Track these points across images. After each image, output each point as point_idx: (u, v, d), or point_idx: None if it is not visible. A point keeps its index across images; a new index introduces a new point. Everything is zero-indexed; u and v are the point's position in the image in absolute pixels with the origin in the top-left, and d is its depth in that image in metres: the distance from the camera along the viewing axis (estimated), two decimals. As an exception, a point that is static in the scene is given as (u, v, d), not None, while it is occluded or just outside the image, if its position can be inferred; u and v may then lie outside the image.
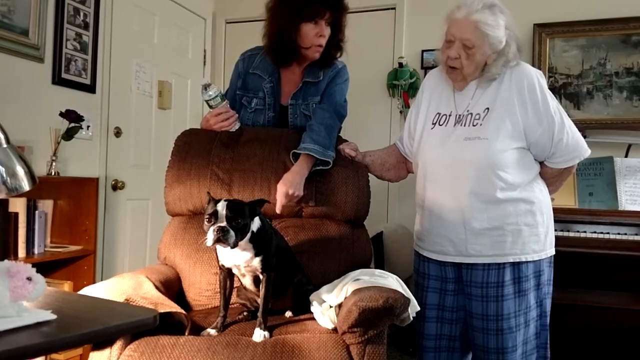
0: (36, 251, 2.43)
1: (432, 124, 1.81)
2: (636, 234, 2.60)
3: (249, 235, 1.51)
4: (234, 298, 1.72)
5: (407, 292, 1.54)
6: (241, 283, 1.69)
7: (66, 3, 2.73)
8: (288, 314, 1.70)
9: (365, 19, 3.62)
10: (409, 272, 2.71)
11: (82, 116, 2.63)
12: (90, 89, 2.92)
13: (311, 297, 1.67)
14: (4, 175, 1.07)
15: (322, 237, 1.95)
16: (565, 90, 3.17)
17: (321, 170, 1.94)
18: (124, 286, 1.56)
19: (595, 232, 2.64)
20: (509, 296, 1.68)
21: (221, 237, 1.42)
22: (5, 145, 1.09)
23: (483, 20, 1.61)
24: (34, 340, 0.88)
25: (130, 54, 3.18)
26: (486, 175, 1.65)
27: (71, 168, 2.78)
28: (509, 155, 1.65)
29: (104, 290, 1.51)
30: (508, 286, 1.68)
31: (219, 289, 1.68)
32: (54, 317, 0.95)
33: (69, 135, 2.61)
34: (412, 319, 1.54)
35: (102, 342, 1.45)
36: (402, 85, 3.41)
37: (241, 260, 1.55)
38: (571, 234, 2.65)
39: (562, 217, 2.53)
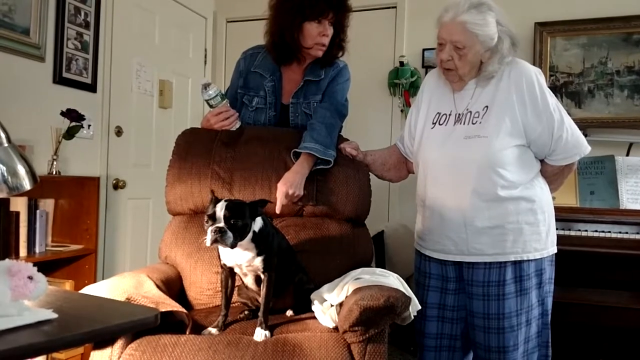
0: (37, 250, 2.43)
1: (432, 123, 1.81)
2: (637, 233, 2.60)
3: (250, 235, 1.51)
4: (235, 297, 1.72)
5: (408, 291, 1.54)
6: (243, 282, 1.69)
7: (67, 2, 2.73)
8: (289, 312, 1.70)
9: (366, 17, 3.62)
10: (409, 271, 2.71)
11: (83, 115, 2.63)
12: (91, 88, 2.92)
13: (312, 296, 1.67)
14: (5, 174, 1.07)
15: (323, 236, 1.95)
16: (566, 89, 3.16)
17: (322, 169, 1.94)
18: (125, 285, 1.56)
19: (596, 231, 2.64)
20: (511, 295, 1.68)
21: (219, 238, 1.43)
22: (6, 144, 1.09)
23: (470, 20, 1.61)
24: (35, 339, 0.88)
25: (131, 53, 3.18)
26: (487, 174, 1.65)
27: (72, 167, 2.78)
28: (509, 153, 1.65)
29: (105, 289, 1.51)
30: (509, 285, 1.68)
31: (220, 288, 1.68)
32: (55, 316, 0.95)
33: (70, 134, 2.61)
34: (413, 318, 1.54)
35: (103, 341, 1.45)
36: (403, 84, 3.41)
37: (243, 259, 1.56)
38: (572, 233, 2.65)
39: (563, 215, 2.53)
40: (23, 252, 2.35)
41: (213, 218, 1.44)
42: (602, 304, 2.61)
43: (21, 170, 1.10)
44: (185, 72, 3.66)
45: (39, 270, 0.99)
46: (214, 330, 1.55)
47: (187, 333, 1.51)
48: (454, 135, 1.73)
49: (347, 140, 2.06)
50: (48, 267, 2.51)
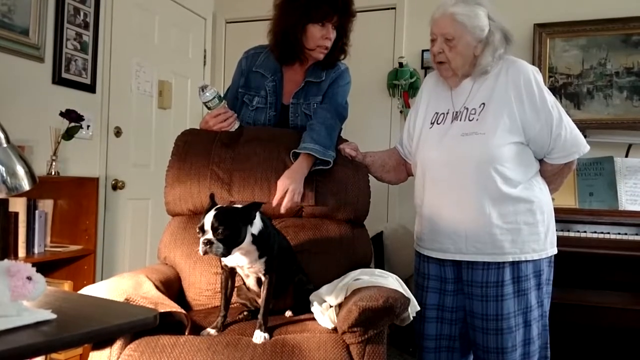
0: (36, 251, 2.43)
1: (431, 123, 1.81)
2: (636, 234, 2.60)
3: (249, 238, 1.50)
4: (234, 297, 1.72)
5: (407, 292, 1.54)
6: (244, 283, 1.69)
7: (66, 3, 2.73)
8: (288, 313, 1.70)
9: (366, 18, 3.61)
10: (409, 272, 2.71)
11: (82, 116, 2.63)
12: (91, 88, 2.92)
13: (311, 297, 1.67)
14: (4, 174, 1.07)
15: (322, 237, 1.95)
16: (565, 90, 3.17)
17: (321, 170, 1.94)
18: (124, 286, 1.56)
19: (595, 232, 2.64)
20: (509, 296, 1.68)
21: (208, 249, 1.42)
22: (5, 145, 1.09)
23: (458, 12, 1.66)
24: (34, 339, 0.88)
25: (131, 53, 3.18)
26: (485, 171, 1.65)
27: (71, 168, 2.78)
28: (507, 149, 1.65)
29: (104, 289, 1.51)
30: (508, 286, 1.68)
31: (219, 289, 1.68)
32: (54, 316, 0.95)
33: (69, 134, 2.61)
34: (412, 318, 1.54)
35: (102, 341, 1.45)
36: (403, 85, 3.41)
37: (245, 261, 1.55)
38: (571, 234, 2.65)
39: (562, 217, 2.53)
40: (22, 252, 2.35)
41: (202, 229, 1.43)
42: (601, 305, 2.61)
43: (20, 170, 1.10)
44: (185, 72, 3.66)
45: (37, 271, 0.99)
46: (212, 331, 1.55)
47: (186, 334, 1.51)
48: (451, 133, 1.73)
49: (347, 141, 2.06)
50: (47, 267, 2.51)
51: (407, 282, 1.67)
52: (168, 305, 1.52)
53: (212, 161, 2.00)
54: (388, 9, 3.59)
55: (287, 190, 1.84)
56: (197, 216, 1.99)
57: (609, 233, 2.63)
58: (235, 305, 1.74)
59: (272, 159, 1.99)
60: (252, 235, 1.51)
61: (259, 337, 1.48)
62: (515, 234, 1.67)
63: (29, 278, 0.96)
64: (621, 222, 2.64)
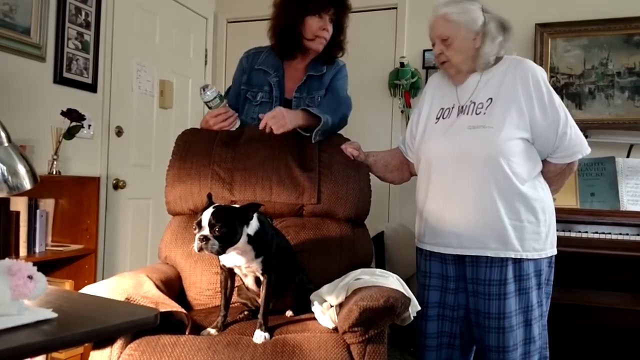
0: (37, 250, 2.43)
1: (436, 118, 1.82)
2: (638, 235, 2.60)
3: (245, 238, 1.49)
4: (234, 297, 1.72)
5: (408, 292, 1.54)
6: (243, 283, 1.69)
7: (68, 2, 2.73)
8: (289, 313, 1.70)
9: (367, 18, 3.62)
10: (409, 272, 2.71)
11: (84, 115, 2.63)
12: (92, 88, 2.92)
13: (312, 297, 1.67)
14: (6, 174, 1.07)
15: (323, 236, 1.95)
16: (567, 90, 3.16)
17: (322, 168, 1.94)
18: (124, 285, 1.56)
19: (596, 233, 2.64)
20: (511, 294, 1.68)
21: (203, 246, 1.42)
22: (6, 144, 1.09)
23: (448, 11, 1.71)
24: (34, 338, 0.88)
25: (132, 53, 3.18)
26: (494, 164, 1.65)
27: (72, 167, 2.78)
28: (515, 144, 1.66)
29: (104, 289, 1.51)
30: (510, 284, 1.68)
31: (219, 289, 1.68)
32: (54, 315, 0.95)
33: (70, 134, 2.61)
34: (412, 318, 1.54)
35: (102, 341, 1.45)
36: (404, 85, 3.41)
37: (242, 261, 1.55)
38: (572, 234, 2.64)
39: (563, 217, 2.53)
40: (23, 251, 2.35)
41: (199, 225, 1.44)
42: (602, 306, 2.60)
43: (21, 169, 1.10)
44: (186, 72, 3.66)
45: (38, 270, 0.99)
46: (213, 331, 1.55)
47: (187, 333, 1.51)
48: (457, 125, 1.73)
49: (349, 140, 2.06)
50: (48, 266, 2.51)
51: (407, 281, 1.67)
52: (169, 305, 1.52)
53: (213, 161, 2.00)
54: (389, 8, 3.59)
55: (275, 115, 1.91)
56: (198, 215, 1.99)
57: (610, 233, 2.62)
58: (235, 304, 1.74)
59: (273, 158, 1.99)
60: (248, 235, 1.51)
61: (260, 336, 1.48)
62: (519, 231, 1.67)
63: (30, 277, 0.96)
64: (622, 222, 2.63)
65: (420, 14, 3.45)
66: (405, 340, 2.79)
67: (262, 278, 1.58)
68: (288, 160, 1.97)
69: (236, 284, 1.70)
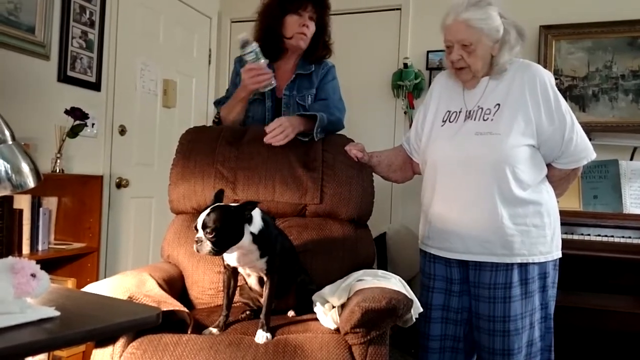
0: (40, 248, 2.43)
1: (442, 121, 1.81)
2: (640, 237, 2.59)
3: (249, 237, 1.49)
4: (236, 297, 1.72)
5: (410, 294, 1.54)
6: (246, 282, 1.69)
7: (72, 1, 2.73)
8: (291, 313, 1.70)
9: (371, 19, 3.62)
10: (412, 273, 2.71)
11: (87, 114, 2.63)
12: (96, 86, 2.92)
13: (314, 297, 1.67)
14: (9, 172, 1.07)
15: (325, 237, 1.95)
16: (570, 92, 3.16)
17: (325, 168, 1.94)
18: (127, 284, 1.56)
19: (599, 235, 2.63)
20: (516, 297, 1.68)
21: (199, 248, 1.43)
22: (10, 142, 1.09)
23: (472, 17, 1.66)
24: (37, 336, 0.88)
25: (136, 52, 3.19)
26: (499, 171, 1.65)
27: (76, 165, 2.78)
28: (522, 151, 1.66)
29: (107, 287, 1.51)
30: (516, 287, 1.68)
31: (222, 288, 1.68)
32: (57, 314, 0.95)
33: (73, 132, 2.62)
34: (414, 320, 1.54)
35: (105, 339, 1.45)
36: (407, 86, 3.40)
37: (246, 260, 1.55)
38: (575, 237, 2.64)
39: (566, 219, 2.51)
40: (26, 249, 2.35)
41: (196, 227, 1.45)
42: (605, 309, 2.60)
43: (25, 168, 1.10)
44: (190, 71, 3.67)
45: (41, 268, 0.99)
46: (215, 330, 1.55)
47: (189, 332, 1.51)
48: (464, 131, 1.73)
49: (352, 141, 2.06)
50: (51, 265, 2.52)
51: (410, 283, 1.67)
52: (171, 304, 1.52)
53: (216, 160, 2.00)
54: (393, 9, 3.59)
55: (281, 123, 1.93)
56: (201, 215, 1.99)
57: (613, 236, 2.62)
58: (237, 304, 1.74)
59: (277, 158, 1.99)
60: (252, 234, 1.50)
61: (261, 337, 1.48)
62: (525, 236, 1.67)
63: (33, 275, 0.96)
64: (625, 225, 2.62)
65: (424, 15, 3.45)
66: (406, 341, 2.79)
67: (265, 278, 1.57)
68: (291, 160, 1.97)
69: (239, 283, 1.70)
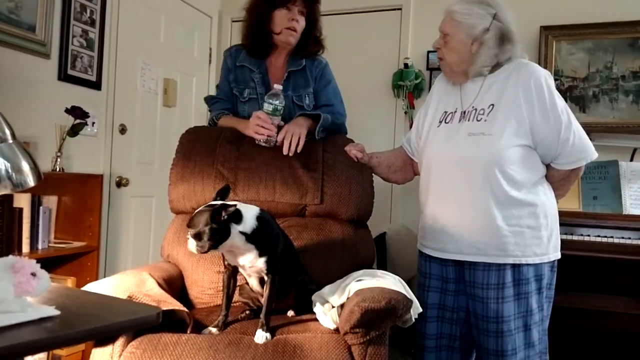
0: (40, 247, 2.43)
1: (439, 122, 1.81)
2: (640, 239, 2.59)
3: (240, 237, 1.49)
4: (236, 296, 1.72)
5: (410, 294, 1.54)
6: (247, 283, 1.69)
7: (73, 0, 2.73)
8: (290, 313, 1.70)
9: (371, 19, 3.62)
10: (411, 273, 2.71)
11: (88, 113, 2.64)
12: (96, 85, 2.93)
13: (313, 297, 1.67)
14: (10, 170, 1.07)
15: (325, 237, 1.95)
16: (571, 93, 3.16)
17: (326, 167, 1.94)
18: (127, 283, 1.56)
19: (599, 236, 2.63)
20: (509, 298, 1.67)
21: (189, 246, 1.48)
22: (10, 141, 1.09)
23: (456, 9, 1.70)
24: (37, 335, 0.88)
25: (136, 51, 3.19)
26: (491, 172, 1.65)
27: (76, 164, 2.78)
28: (514, 152, 1.65)
29: (107, 286, 1.52)
30: (508, 288, 1.67)
31: (221, 287, 1.68)
32: (57, 313, 0.96)
33: (74, 131, 2.62)
34: (414, 320, 1.54)
35: (104, 338, 1.45)
36: (408, 86, 3.40)
37: (245, 260, 1.55)
38: (575, 238, 2.64)
39: (566, 220, 2.51)
40: (26, 248, 2.35)
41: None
42: (604, 310, 2.60)
43: (25, 166, 1.10)
44: (190, 71, 3.67)
45: (41, 267, 0.99)
46: (214, 330, 1.55)
47: (188, 332, 1.51)
48: (458, 132, 1.73)
49: (352, 141, 2.06)
50: (51, 263, 2.52)
51: (409, 283, 1.67)
52: (170, 304, 1.52)
53: (216, 160, 2.00)
54: (394, 9, 3.59)
55: (287, 130, 1.93)
56: (201, 214, 1.99)
57: (612, 237, 2.62)
58: (237, 304, 1.74)
59: (277, 158, 1.99)
60: (245, 234, 1.49)
61: (261, 336, 1.48)
62: (518, 237, 1.67)
63: (33, 274, 0.96)
64: (625, 226, 2.62)
65: (425, 15, 3.45)
66: (406, 341, 2.79)
67: (266, 278, 1.57)
68: (292, 160, 1.97)
69: (239, 283, 1.70)
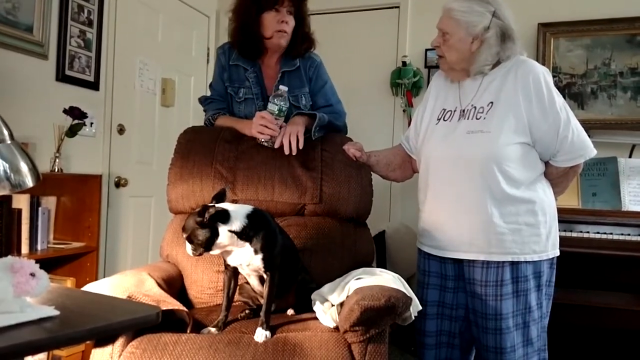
0: (39, 247, 2.43)
1: (437, 119, 1.81)
2: (639, 235, 2.59)
3: (230, 235, 1.49)
4: (236, 296, 1.72)
5: (409, 292, 1.54)
6: (247, 282, 1.69)
7: (70, 0, 2.73)
8: (290, 312, 1.70)
9: (369, 17, 3.62)
10: (411, 271, 2.71)
11: (86, 113, 2.63)
12: (94, 86, 2.92)
13: (313, 296, 1.67)
14: (8, 171, 1.07)
15: (325, 236, 1.95)
16: (569, 90, 3.16)
17: (325, 166, 1.94)
18: (126, 283, 1.56)
19: (598, 233, 2.64)
20: (508, 296, 1.67)
21: (187, 249, 1.54)
22: (9, 142, 1.09)
23: (454, 7, 1.69)
24: (37, 335, 0.88)
25: (134, 51, 3.18)
26: (488, 170, 1.65)
27: (74, 165, 2.78)
28: (512, 149, 1.65)
29: (106, 287, 1.51)
30: (507, 285, 1.68)
31: (221, 287, 1.68)
32: (57, 313, 0.96)
33: (72, 132, 2.62)
34: (414, 318, 1.54)
35: (104, 338, 1.45)
36: (406, 84, 3.40)
37: (242, 259, 1.55)
38: (574, 234, 2.64)
39: (565, 217, 2.52)
40: (25, 249, 2.35)
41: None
42: (603, 306, 2.60)
43: (24, 167, 1.10)
44: (188, 70, 3.67)
45: (40, 268, 0.99)
46: (214, 329, 1.55)
47: (188, 332, 1.51)
48: (457, 130, 1.72)
49: (351, 140, 2.06)
50: (50, 264, 2.52)
51: (409, 281, 1.67)
52: (170, 303, 1.52)
53: (215, 159, 2.00)
54: (392, 7, 3.59)
55: (284, 132, 1.92)
56: (200, 214, 1.99)
57: (611, 233, 2.62)
58: (237, 303, 1.74)
59: (276, 158, 1.99)
60: (234, 232, 1.49)
61: (261, 335, 1.48)
62: (516, 234, 1.67)
63: (32, 274, 0.96)
64: (624, 222, 2.63)
65: (423, 13, 3.45)
66: (406, 339, 2.80)
67: (265, 276, 1.57)
68: (290, 159, 1.97)
69: (238, 283, 1.70)
